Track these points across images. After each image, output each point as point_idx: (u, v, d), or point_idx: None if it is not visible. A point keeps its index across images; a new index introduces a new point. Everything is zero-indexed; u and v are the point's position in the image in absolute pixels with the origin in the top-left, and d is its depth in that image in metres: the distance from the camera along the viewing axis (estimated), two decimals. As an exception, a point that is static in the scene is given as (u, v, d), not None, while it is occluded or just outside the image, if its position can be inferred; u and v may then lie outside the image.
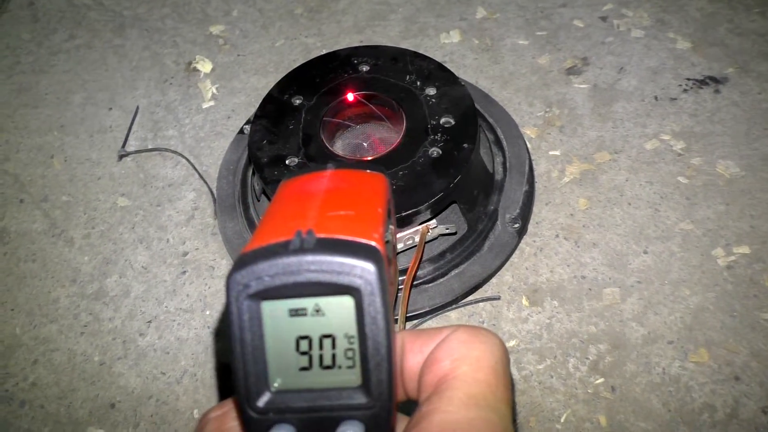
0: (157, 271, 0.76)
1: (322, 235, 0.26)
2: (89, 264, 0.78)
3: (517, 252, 0.72)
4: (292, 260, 0.25)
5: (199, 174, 0.83)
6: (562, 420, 0.61)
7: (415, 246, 0.65)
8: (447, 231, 0.67)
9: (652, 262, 0.70)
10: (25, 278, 0.78)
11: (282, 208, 0.31)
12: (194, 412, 0.66)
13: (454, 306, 0.69)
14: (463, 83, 0.72)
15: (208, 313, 0.72)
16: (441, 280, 0.69)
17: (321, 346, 0.26)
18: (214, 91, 0.92)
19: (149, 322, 0.73)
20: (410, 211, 0.63)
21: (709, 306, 0.66)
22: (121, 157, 0.87)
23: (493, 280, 0.70)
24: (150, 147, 0.87)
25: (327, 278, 0.25)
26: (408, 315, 0.68)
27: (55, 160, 0.88)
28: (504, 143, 0.78)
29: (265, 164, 0.69)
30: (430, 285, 0.69)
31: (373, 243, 0.26)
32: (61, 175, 0.86)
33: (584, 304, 0.68)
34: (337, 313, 0.26)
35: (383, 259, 0.26)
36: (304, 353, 0.27)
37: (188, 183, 0.83)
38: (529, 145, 0.79)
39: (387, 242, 0.30)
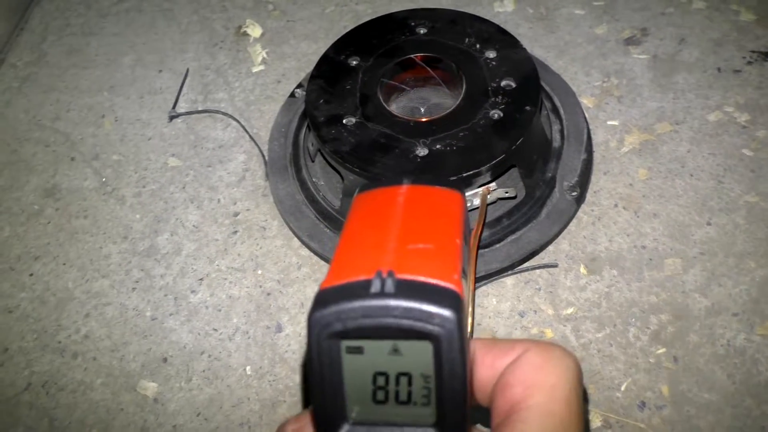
0: (208, 230, 0.76)
1: (402, 276, 0.26)
2: (140, 222, 0.78)
3: (574, 220, 0.70)
4: (373, 304, 0.25)
5: (250, 136, 0.83)
6: (622, 388, 0.60)
7: (476, 209, 0.64)
8: (507, 195, 0.66)
9: (716, 233, 0.68)
10: (76, 234, 0.78)
11: (359, 234, 0.31)
12: (246, 369, 0.66)
13: (510, 272, 0.68)
14: (524, 47, 0.71)
15: (260, 272, 0.72)
16: (497, 245, 0.68)
17: (397, 383, 0.27)
18: (264, 55, 0.92)
19: (201, 279, 0.72)
20: (471, 172, 0.62)
21: (776, 280, 0.64)
22: (171, 118, 0.87)
23: (550, 247, 0.69)
24: (200, 109, 0.87)
25: (407, 324, 0.25)
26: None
27: (105, 120, 0.88)
28: (561, 111, 0.76)
29: (322, 123, 0.68)
30: (486, 250, 0.68)
31: (452, 287, 0.26)
32: (111, 135, 0.87)
33: (645, 274, 0.66)
34: (414, 355, 0.26)
35: (462, 303, 0.26)
36: (380, 388, 0.27)
37: (239, 145, 0.83)
38: (586, 115, 0.77)
39: (465, 239, 0.30)
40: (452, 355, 0.25)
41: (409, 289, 0.26)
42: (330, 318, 0.26)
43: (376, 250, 0.29)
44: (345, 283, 0.27)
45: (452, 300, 0.25)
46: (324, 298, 0.26)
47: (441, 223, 0.31)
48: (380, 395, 0.27)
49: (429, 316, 0.25)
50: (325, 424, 0.27)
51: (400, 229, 0.30)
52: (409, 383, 0.27)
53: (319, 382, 0.27)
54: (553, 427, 0.25)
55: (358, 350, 0.27)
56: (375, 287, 0.26)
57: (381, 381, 0.27)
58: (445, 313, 0.25)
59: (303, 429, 0.29)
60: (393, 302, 0.25)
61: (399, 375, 0.27)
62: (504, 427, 0.26)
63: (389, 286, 0.26)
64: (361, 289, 0.26)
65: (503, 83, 0.68)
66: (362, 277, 0.26)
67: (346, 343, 0.26)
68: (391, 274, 0.26)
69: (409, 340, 0.26)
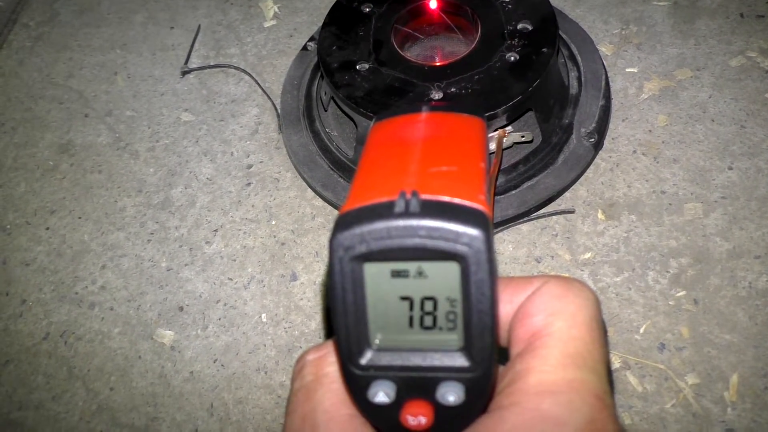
0: (222, 182, 0.76)
1: (426, 197, 0.25)
2: (154, 175, 0.78)
3: (592, 167, 0.69)
4: (398, 224, 0.24)
5: (262, 89, 0.82)
6: (641, 331, 0.59)
7: (492, 153, 0.63)
8: (523, 139, 0.65)
9: (738, 178, 0.66)
10: (91, 188, 0.78)
11: (380, 159, 0.30)
12: (262, 317, 0.66)
13: (526, 219, 0.67)
14: (540, -11, 0.69)
15: (273, 223, 0.71)
16: (513, 192, 0.67)
17: (422, 307, 0.26)
18: (276, 10, 0.91)
19: (215, 231, 0.72)
20: (486, 115, 0.61)
21: (800, 223, 0.63)
22: (183, 73, 0.86)
23: (567, 194, 0.68)
24: (212, 64, 0.86)
25: (433, 244, 0.24)
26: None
27: (118, 77, 0.88)
28: (578, 58, 0.75)
29: (336, 69, 0.67)
30: (502, 196, 0.67)
31: (479, 207, 0.25)
32: (124, 91, 0.86)
33: (664, 219, 0.65)
34: (440, 277, 0.26)
35: (490, 223, 0.25)
36: (405, 313, 0.27)
37: (251, 99, 0.82)
38: (604, 62, 0.76)
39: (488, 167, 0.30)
40: (480, 275, 0.24)
41: (434, 209, 0.25)
42: (353, 240, 0.25)
43: (399, 172, 0.28)
44: (367, 204, 0.26)
45: (479, 219, 0.24)
46: (346, 220, 0.25)
47: (464, 147, 0.30)
48: (404, 320, 0.27)
49: (456, 236, 0.24)
50: (348, 351, 0.26)
51: (422, 153, 0.29)
52: (435, 307, 0.26)
53: (342, 308, 0.26)
54: (576, 351, 0.25)
55: (382, 273, 0.26)
56: (399, 207, 0.25)
57: (405, 306, 0.26)
58: (473, 231, 0.24)
59: (325, 357, 0.29)
60: (418, 222, 0.24)
61: (424, 299, 0.26)
62: (526, 354, 0.25)
63: (414, 205, 0.25)
64: (384, 210, 0.25)
65: (519, 26, 0.66)
66: (385, 199, 0.25)
67: (369, 266, 0.26)
68: (415, 194, 0.25)
69: (434, 262, 0.25)
